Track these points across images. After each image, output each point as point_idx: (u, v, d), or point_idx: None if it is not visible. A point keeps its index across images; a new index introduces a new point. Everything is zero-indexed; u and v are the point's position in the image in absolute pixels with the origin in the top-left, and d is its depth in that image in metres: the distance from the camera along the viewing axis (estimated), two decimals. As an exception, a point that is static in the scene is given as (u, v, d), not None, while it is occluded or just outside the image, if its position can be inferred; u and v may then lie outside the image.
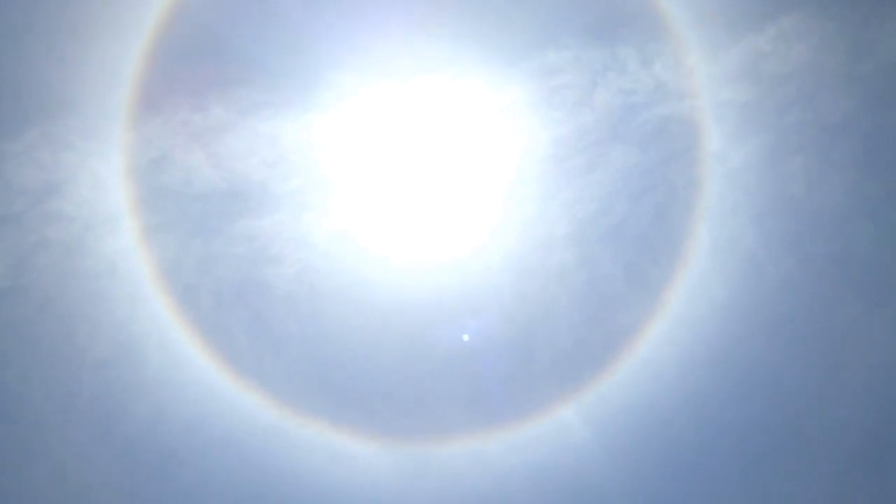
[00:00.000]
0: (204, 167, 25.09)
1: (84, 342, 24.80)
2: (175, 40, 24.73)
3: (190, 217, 25.38)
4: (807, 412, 24.76)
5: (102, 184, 24.65)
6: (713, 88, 24.01)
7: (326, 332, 26.66)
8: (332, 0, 25.57)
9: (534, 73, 25.59)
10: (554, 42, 25.45)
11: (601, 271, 26.84)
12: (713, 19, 23.65)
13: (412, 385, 26.43)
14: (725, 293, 25.34)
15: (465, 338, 25.92)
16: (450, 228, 27.95)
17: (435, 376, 26.40)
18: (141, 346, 25.02)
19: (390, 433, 25.52)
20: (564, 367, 26.23)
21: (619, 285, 26.76)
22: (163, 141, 24.66)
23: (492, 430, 25.54)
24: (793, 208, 24.61)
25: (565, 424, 25.54)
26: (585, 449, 25.25)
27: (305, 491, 24.15)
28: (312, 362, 26.53)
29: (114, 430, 24.52)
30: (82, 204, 24.78)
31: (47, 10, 24.25)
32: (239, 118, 25.12)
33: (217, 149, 25.08)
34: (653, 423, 25.22)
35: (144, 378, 25.02)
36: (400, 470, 24.91)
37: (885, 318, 23.54)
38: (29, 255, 24.63)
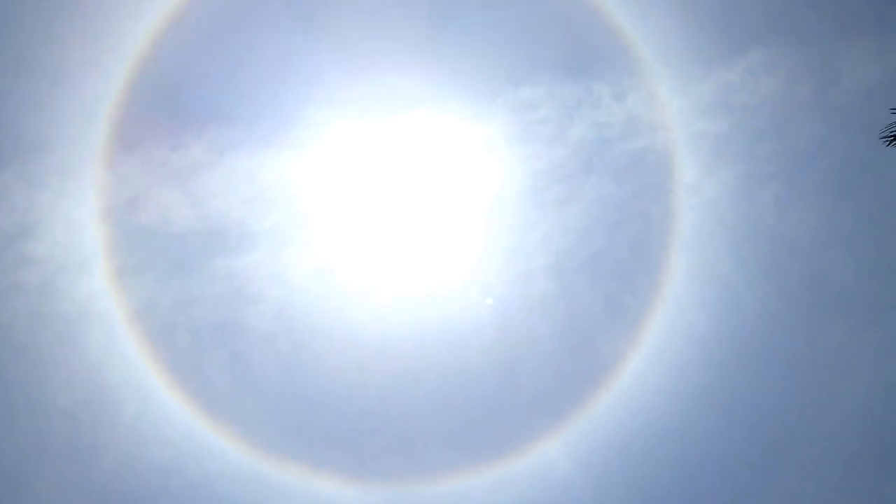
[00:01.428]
0: (181, 206, 24.83)
1: (56, 388, 24.07)
2: (151, 80, 24.69)
3: (166, 257, 25.02)
4: (785, 438, 24.86)
5: (77, 224, 24.23)
6: (686, 121, 24.59)
7: (306, 373, 26.25)
8: (310, 38, 25.85)
9: (509, 108, 26.01)
10: (528, 78, 25.96)
11: (580, 302, 26.98)
12: (684, 54, 24.34)
13: (394, 424, 26.04)
14: (703, 321, 25.58)
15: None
16: (430, 263, 27.97)
17: (417, 414, 26.06)
18: (115, 391, 24.36)
19: (372, 474, 25.02)
20: (547, 400, 26.10)
21: (598, 316, 26.90)
22: (139, 180, 24.40)
23: (476, 468, 25.16)
24: (767, 236, 25.08)
25: (549, 459, 25.28)
26: (570, 483, 24.97)
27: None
28: (292, 404, 26.03)
29: (86, 479, 23.65)
30: (56, 245, 24.28)
31: (21, 51, 24.10)
32: (216, 156, 25.02)
33: (194, 187, 24.89)
34: (635, 455, 25.08)
35: (118, 424, 24.29)
36: (382, 512, 24.36)
37: (860, 342, 23.91)
38: (1, 298, 23.99)
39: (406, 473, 24.75)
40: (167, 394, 24.73)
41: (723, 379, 25.30)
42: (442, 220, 27.76)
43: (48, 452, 23.98)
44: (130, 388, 24.73)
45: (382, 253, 27.73)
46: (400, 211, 27.82)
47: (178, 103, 24.96)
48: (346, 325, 26.69)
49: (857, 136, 22.39)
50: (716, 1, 25.02)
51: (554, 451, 25.30)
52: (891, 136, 10.39)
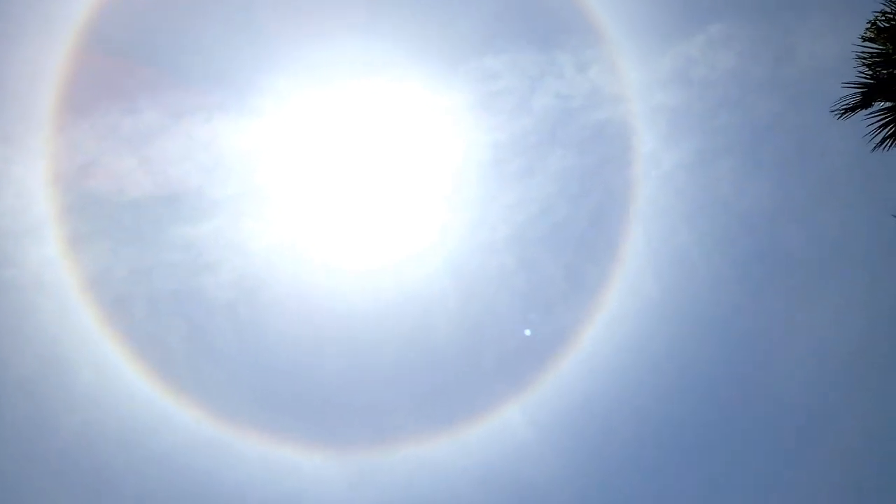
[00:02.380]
0: (136, 173, 24.09)
1: (8, 357, 23.41)
2: (101, 41, 23.69)
3: (121, 225, 24.33)
4: (738, 400, 25.83)
5: (27, 192, 23.32)
6: (646, 93, 24.85)
7: (267, 342, 26.06)
8: (269, 3, 25.12)
9: (472, 77, 25.84)
10: (492, 46, 25.79)
11: (541, 272, 27.33)
12: (645, 26, 24.48)
13: (356, 392, 26.15)
14: (659, 290, 26.21)
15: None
16: (391, 233, 27.87)
17: (379, 383, 26.22)
18: (70, 362, 23.82)
19: (336, 441, 25.16)
20: (508, 367, 26.53)
21: (558, 285, 27.31)
22: (91, 146, 23.55)
23: (439, 434, 25.53)
24: (723, 208, 25.72)
25: (511, 425, 25.80)
26: (530, 447, 25.57)
27: (250, 504, 23.48)
28: (253, 373, 25.88)
29: (43, 451, 23.20)
30: (5, 213, 23.37)
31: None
32: (172, 122, 24.29)
33: (150, 154, 24.15)
34: (593, 419, 25.78)
35: (74, 394, 23.82)
36: (346, 479, 24.58)
37: (813, 311, 24.88)
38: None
39: (370, 440, 24.99)
40: (125, 365, 24.30)
41: (678, 346, 26.08)
42: (404, 191, 27.63)
43: (2, 420, 23.45)
44: (86, 360, 24.22)
45: (343, 222, 27.54)
46: (361, 180, 27.58)
47: (130, 66, 24.07)
48: (307, 293, 26.55)
49: (811, 111, 23.00)
50: (678, -27, 25.16)
51: (515, 416, 25.82)
52: (842, 110, 10.72)
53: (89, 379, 24.09)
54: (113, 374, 24.15)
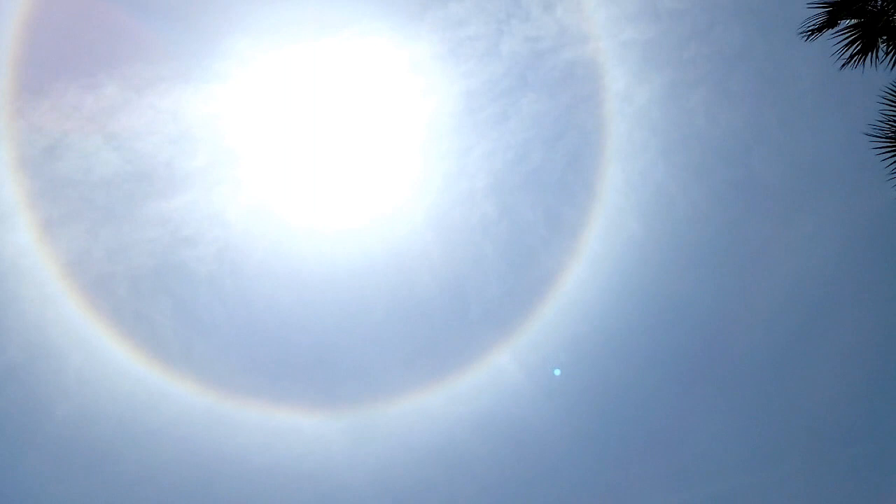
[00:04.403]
0: (103, 151, 23.56)
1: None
2: (51, 15, 22.86)
3: (94, 205, 23.90)
4: (719, 330, 26.35)
5: (-8, 178, 22.78)
6: (614, 29, 24.55)
7: (254, 309, 26.04)
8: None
9: (438, 26, 25.35)
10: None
11: (522, 219, 27.37)
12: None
13: (348, 351, 26.33)
14: (640, 227, 26.41)
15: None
16: (370, 190, 27.68)
17: (370, 340, 26.39)
18: (57, 347, 23.68)
19: (332, 402, 25.45)
20: (495, 315, 26.79)
21: (540, 231, 27.41)
22: (54, 127, 22.91)
23: (431, 385, 25.89)
24: (697, 140, 25.76)
25: (501, 370, 26.20)
26: (521, 390, 26.03)
27: (254, 471, 23.83)
28: (243, 341, 25.92)
29: (39, 437, 23.25)
30: (-28, 202, 22.85)
31: None
32: (134, 95, 23.68)
33: (115, 130, 23.58)
34: (582, 359, 26.23)
35: (64, 379, 23.77)
36: (346, 436, 24.95)
37: (790, 236, 25.25)
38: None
39: (364, 397, 25.30)
40: (113, 345, 24.22)
41: (660, 280, 26.42)
42: (378, 147, 27.35)
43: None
44: (73, 344, 24.09)
45: (319, 184, 27.27)
46: (334, 139, 27.22)
47: (85, 39, 23.32)
48: (290, 258, 26.44)
49: (779, 36, 22.91)
50: None
51: (504, 361, 26.21)
52: (809, 31, 10.69)
53: (79, 363, 24.03)
54: (102, 356, 24.10)
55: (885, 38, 10.61)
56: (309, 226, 26.83)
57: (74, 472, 22.99)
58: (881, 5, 10.54)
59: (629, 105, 25.26)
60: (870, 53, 10.73)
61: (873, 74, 10.69)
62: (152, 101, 23.86)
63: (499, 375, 26.14)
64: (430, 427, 25.15)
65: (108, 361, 24.27)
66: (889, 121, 10.21)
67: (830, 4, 10.71)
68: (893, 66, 10.61)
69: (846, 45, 10.78)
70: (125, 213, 24.11)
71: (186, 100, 24.35)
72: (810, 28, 10.87)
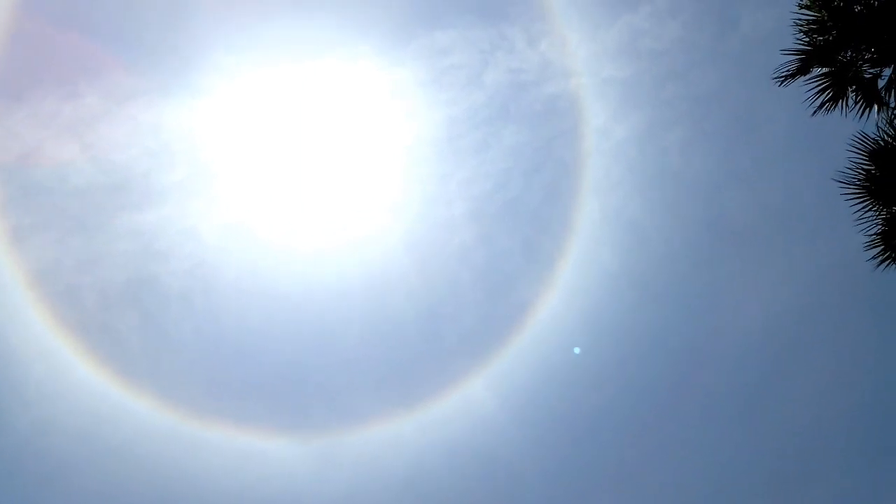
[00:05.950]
0: (79, 160, 23.30)
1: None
2: (34, 21, 22.71)
3: (67, 215, 23.56)
4: (690, 365, 26.56)
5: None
6: (595, 66, 24.99)
7: (224, 327, 25.70)
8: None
9: (422, 53, 25.62)
10: (441, 21, 25.57)
11: (499, 247, 27.50)
12: (593, -2, 24.54)
13: (319, 374, 26.05)
14: (614, 261, 26.66)
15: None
16: (347, 212, 27.63)
17: (341, 363, 26.15)
18: (19, 357, 23.14)
19: (299, 425, 25.08)
20: (469, 342, 26.74)
21: (516, 259, 27.55)
22: (31, 134, 22.64)
23: (403, 412, 25.66)
24: (672, 178, 26.18)
25: (474, 398, 26.07)
26: (494, 418, 25.91)
27: (216, 493, 23.31)
28: (211, 360, 25.53)
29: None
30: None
31: None
32: (114, 106, 23.50)
33: (92, 140, 23.35)
34: (555, 389, 26.23)
35: (26, 391, 23.20)
36: (313, 461, 24.56)
37: (760, 275, 25.63)
38: None
39: (334, 422, 24.99)
40: (77, 358, 23.73)
41: (632, 313, 26.62)
42: (358, 170, 27.38)
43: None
44: (36, 355, 23.56)
45: (297, 204, 27.19)
46: (314, 160, 27.21)
47: (67, 47, 23.17)
48: (264, 277, 26.23)
49: (754, 80, 23.48)
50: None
51: (478, 389, 26.09)
52: (782, 77, 10.98)
53: (41, 375, 23.49)
54: (65, 368, 23.59)
55: (854, 87, 10.93)
56: (284, 245, 26.68)
57: (30, 486, 22.35)
58: (850, 56, 10.87)
59: (607, 141, 25.67)
60: (840, 101, 11.04)
61: (843, 122, 10.99)
62: (132, 112, 23.74)
63: (471, 403, 26.02)
64: (400, 454, 24.91)
65: (70, 374, 23.77)
66: (857, 168, 10.47)
67: (803, 52, 11.01)
68: (861, 114, 10.92)
69: (818, 93, 11.08)
70: (98, 224, 23.83)
71: (166, 113, 24.26)
72: (784, 74, 11.16)
